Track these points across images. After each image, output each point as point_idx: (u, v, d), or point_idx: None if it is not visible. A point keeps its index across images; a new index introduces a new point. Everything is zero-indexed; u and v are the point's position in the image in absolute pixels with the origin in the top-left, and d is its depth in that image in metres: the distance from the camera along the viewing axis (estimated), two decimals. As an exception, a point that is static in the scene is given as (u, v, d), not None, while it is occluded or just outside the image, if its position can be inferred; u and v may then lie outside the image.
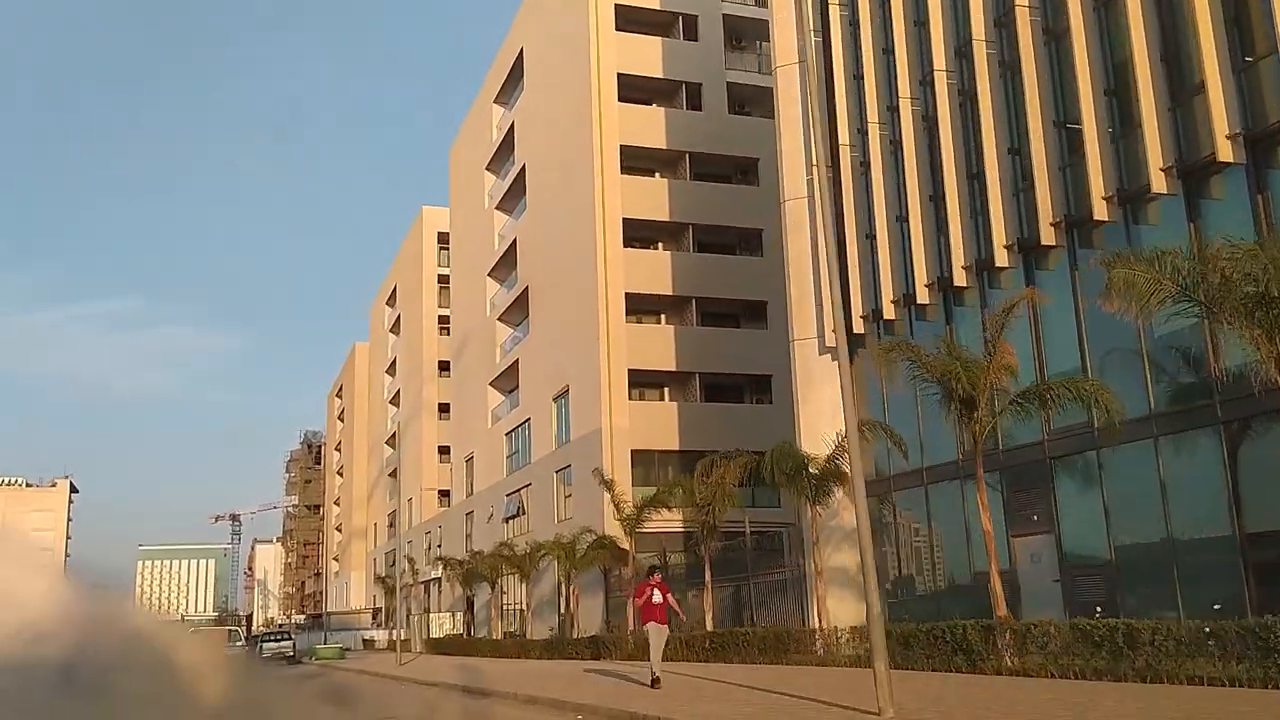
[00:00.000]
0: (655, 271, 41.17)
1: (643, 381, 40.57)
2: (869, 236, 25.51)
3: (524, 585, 45.47)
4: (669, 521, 37.53)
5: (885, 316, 25.15)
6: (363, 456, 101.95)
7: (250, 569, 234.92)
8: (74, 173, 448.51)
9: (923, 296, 24.08)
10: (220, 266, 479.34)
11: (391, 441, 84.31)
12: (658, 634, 18.24)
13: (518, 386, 51.58)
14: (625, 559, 36.50)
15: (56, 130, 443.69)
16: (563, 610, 41.50)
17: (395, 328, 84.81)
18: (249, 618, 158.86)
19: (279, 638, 55.45)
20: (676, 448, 39.91)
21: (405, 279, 79.97)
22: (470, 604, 56.26)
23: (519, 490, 49.96)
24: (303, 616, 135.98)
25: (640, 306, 40.87)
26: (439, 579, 64.17)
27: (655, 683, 17.38)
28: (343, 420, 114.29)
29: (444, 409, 72.20)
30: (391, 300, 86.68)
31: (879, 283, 25.24)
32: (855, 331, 25.13)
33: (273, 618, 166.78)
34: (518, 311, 52.13)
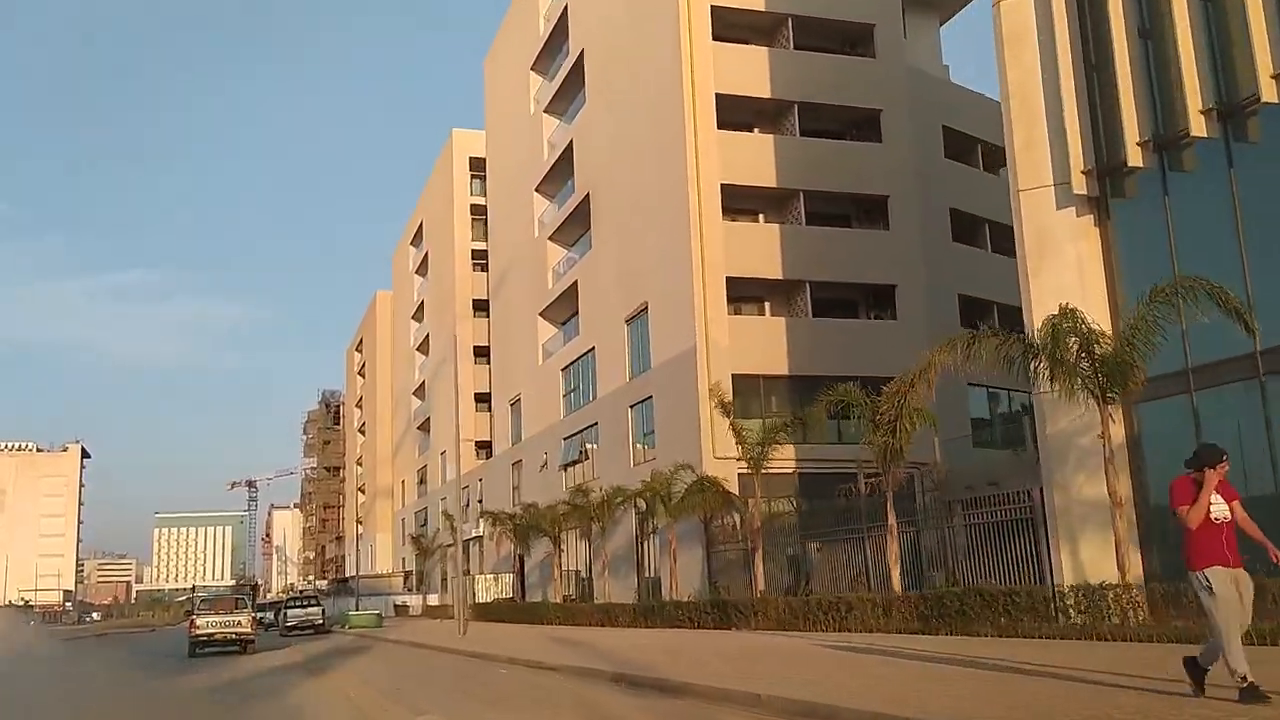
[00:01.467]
0: (755, 159, 33.81)
1: (742, 294, 33.32)
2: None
3: (588, 541, 38.62)
4: (783, 462, 30.61)
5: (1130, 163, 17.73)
6: (386, 411, 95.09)
7: (268, 535, 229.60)
8: (91, 144, 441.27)
9: (1197, 126, 16.68)
10: (236, 235, 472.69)
11: (420, 392, 77.40)
12: (1241, 587, 8.29)
13: (576, 314, 44.36)
14: (732, 505, 29.56)
15: (73, 101, 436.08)
16: (649, 569, 34.52)
17: (422, 268, 77.55)
18: (255, 586, 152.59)
19: (306, 603, 48.55)
20: (785, 372, 32.73)
21: (433, 213, 72.64)
22: (520, 564, 49.41)
23: (580, 432, 42.90)
24: (324, 582, 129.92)
25: (737, 204, 33.52)
26: (480, 537, 57.36)
27: (1249, 691, 7.98)
28: (363, 375, 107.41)
29: (480, 352, 65.09)
30: (417, 239, 79.38)
31: (1116, 123, 17.81)
32: (1117, 166, 17.79)
33: (292, 584, 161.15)
34: (574, 227, 44.85)
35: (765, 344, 32.67)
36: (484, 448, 64.61)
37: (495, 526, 46.29)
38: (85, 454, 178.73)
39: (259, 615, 69.39)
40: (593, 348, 41.42)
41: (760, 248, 33.34)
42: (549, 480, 46.22)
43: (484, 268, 66.05)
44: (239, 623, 30.33)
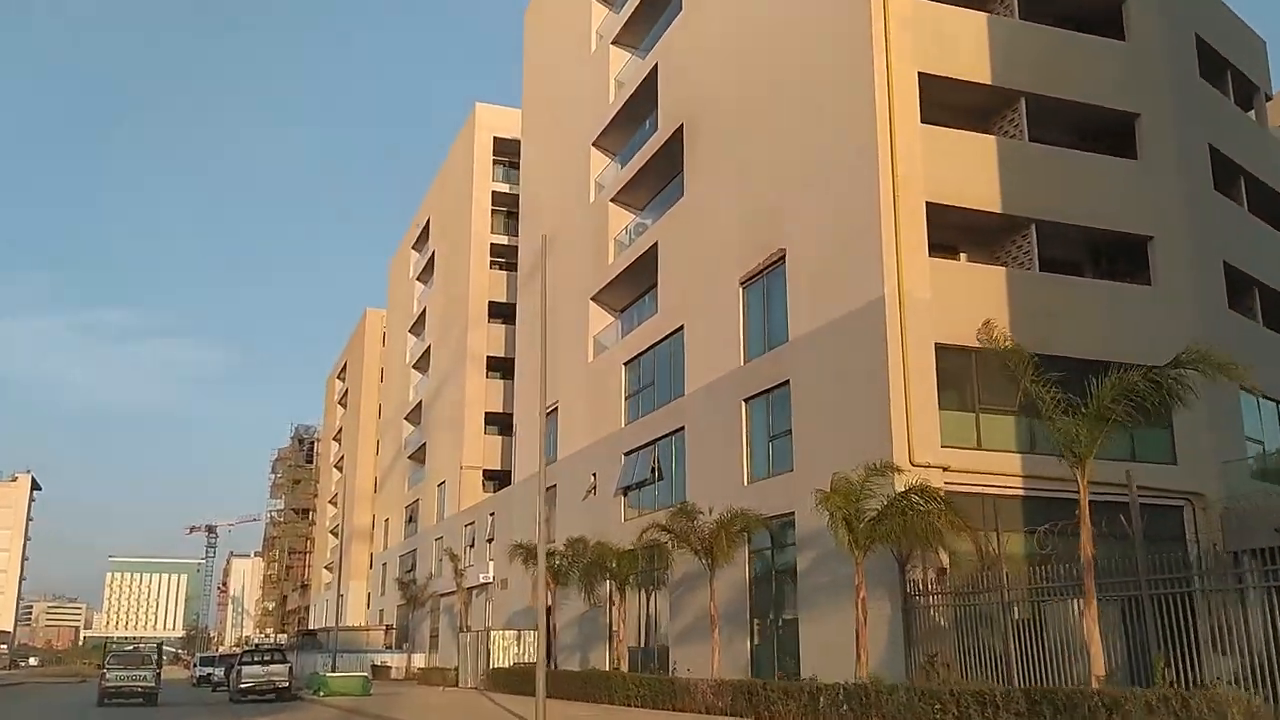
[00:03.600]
0: (961, 42, 23.44)
1: (944, 234, 22.63)
2: None
3: (655, 590, 27.66)
4: (1004, 479, 20.09)
5: None
6: (370, 442, 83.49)
7: (225, 584, 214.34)
8: (65, 180, 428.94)
9: None
10: (211, 275, 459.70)
11: (415, 416, 66.04)
12: None
13: (650, 289, 33.64)
14: (937, 536, 18.76)
15: (39, 135, 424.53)
16: (773, 630, 23.43)
17: (426, 273, 66.65)
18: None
19: (267, 659, 36.69)
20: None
21: (445, 206, 61.93)
22: (549, 619, 37.94)
23: (651, 443, 31.89)
24: (284, 636, 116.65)
25: (933, 106, 22.97)
26: (487, 584, 45.86)
27: None
28: (344, 405, 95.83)
29: (494, 366, 54.13)
30: (421, 241, 68.57)
31: None
32: None
33: (247, 637, 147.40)
34: (650, 179, 34.37)
35: (978, 304, 21.94)
36: (494, 477, 53.33)
37: (527, 566, 34.90)
38: (35, 485, 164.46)
39: (208, 672, 57.54)
40: (680, 327, 30.57)
41: (970, 166, 22.77)
42: (598, 510, 35.09)
43: (505, 265, 55.41)
44: (144, 677, 34.34)
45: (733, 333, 27.29)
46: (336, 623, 53.51)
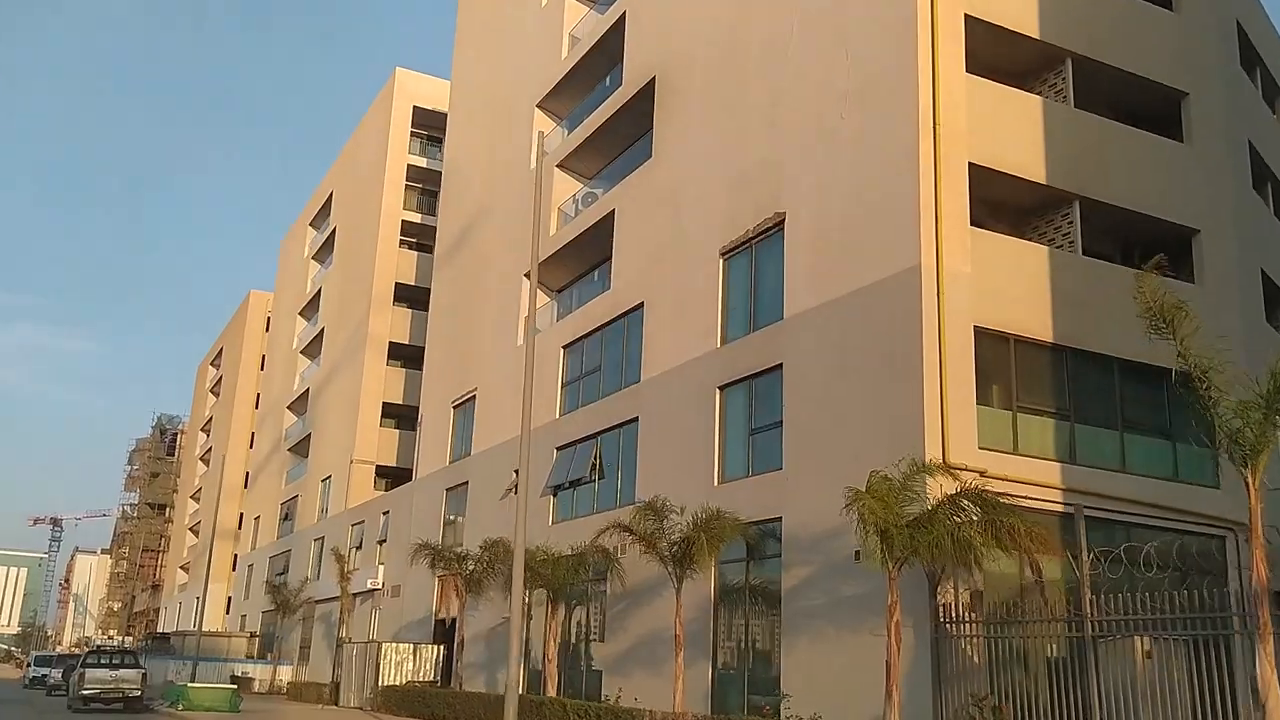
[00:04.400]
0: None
1: (985, 207, 19.33)
2: None
3: (593, 606, 23.76)
4: (1024, 488, 16.94)
5: None
6: (242, 434, 77.13)
7: (67, 580, 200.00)
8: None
9: None
10: (74, 259, 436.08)
11: (299, 405, 60.42)
12: None
13: (602, 262, 29.73)
14: (970, 551, 15.36)
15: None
16: (745, 655, 19.64)
17: (324, 252, 61.26)
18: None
19: (116, 662, 31.19)
20: (1046, 337, 18.81)
21: (352, 179, 56.83)
22: (451, 632, 33.53)
23: (593, 437, 27.89)
24: (129, 639, 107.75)
25: (977, 55, 19.75)
26: (375, 590, 40.97)
27: None
28: (217, 394, 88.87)
29: (397, 353, 49.36)
30: (320, 218, 63.14)
31: None
32: None
33: (89, 638, 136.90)
34: (608, 142, 30.60)
35: (1018, 286, 18.74)
36: (387, 474, 48.41)
37: (434, 569, 30.40)
38: None
39: (44, 673, 50.75)
40: (638, 305, 26.71)
41: (1015, 129, 19.61)
42: (514, 512, 30.75)
43: (417, 245, 50.78)
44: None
45: (708, 311, 23.56)
46: (199, 627, 47.67)
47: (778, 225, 21.76)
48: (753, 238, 22.51)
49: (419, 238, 51.38)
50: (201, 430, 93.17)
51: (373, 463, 47.80)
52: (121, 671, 29.75)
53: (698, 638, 21.38)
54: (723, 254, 23.40)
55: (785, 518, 19.91)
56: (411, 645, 33.11)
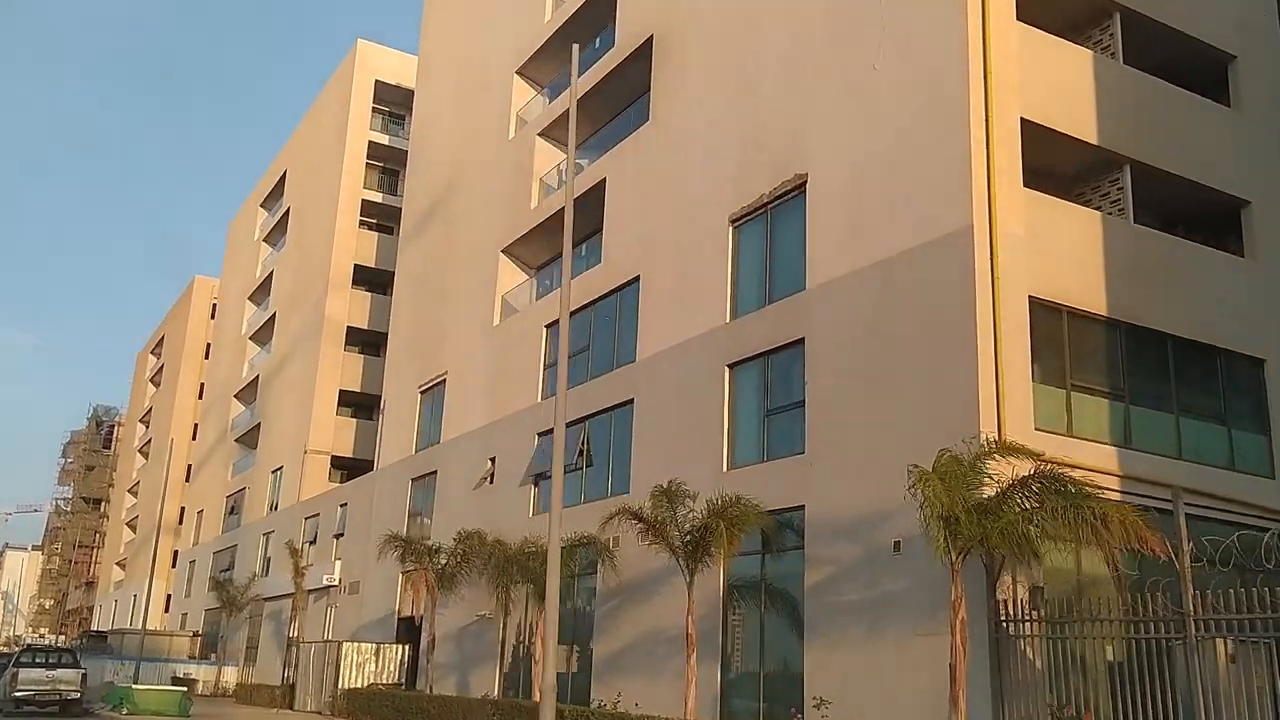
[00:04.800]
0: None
1: (1028, 170, 17.58)
2: None
3: (572, 601, 21.75)
4: (1078, 473, 15.23)
5: None
6: (184, 425, 73.67)
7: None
8: None
9: None
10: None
11: (247, 394, 57.52)
12: None
13: (590, 237, 27.68)
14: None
15: None
16: (754, 654, 17.70)
17: (276, 234, 58.42)
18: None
19: (53, 661, 28.50)
20: (1100, 311, 17.13)
21: (309, 156, 54.09)
22: (416, 632, 31.29)
23: (580, 421, 25.81)
24: (62, 637, 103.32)
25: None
26: (331, 587, 38.51)
27: None
28: (157, 384, 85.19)
29: (355, 338, 46.89)
30: (274, 198, 60.22)
31: None
32: None
33: (19, 636, 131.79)
34: (596, 109, 28.53)
35: (1071, 254, 17.04)
36: (343, 466, 45.89)
37: (403, 562, 28.09)
38: None
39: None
40: (633, 279, 24.70)
41: (1065, 83, 17.93)
42: (495, 502, 28.76)
43: (377, 226, 48.35)
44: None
45: (715, 283, 21.63)
46: (144, 625, 44.83)
47: (798, 188, 19.89)
48: (768, 203, 20.63)
49: (380, 218, 48.95)
50: (140, 421, 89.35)
51: (328, 453, 45.25)
52: (59, 672, 27.08)
53: (704, 638, 19.42)
54: (733, 221, 21.48)
55: (808, 506, 18.05)
56: (374, 645, 30.77)
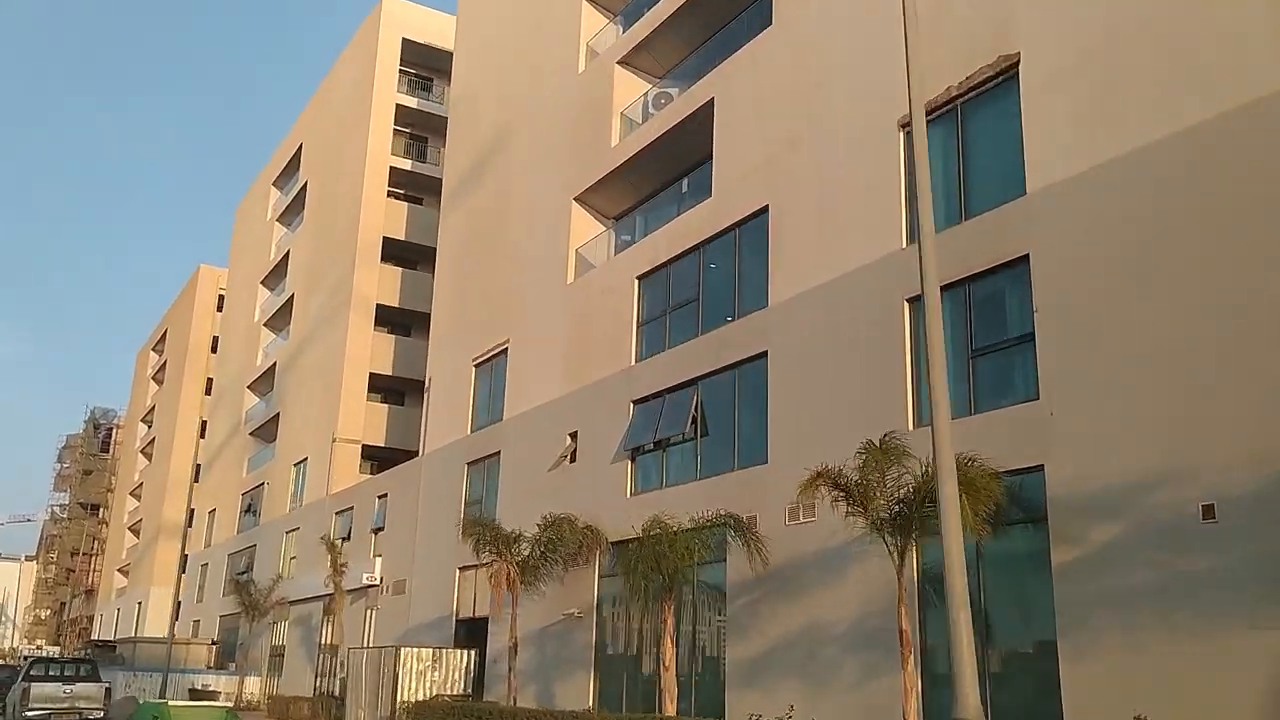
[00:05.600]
0: None
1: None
2: None
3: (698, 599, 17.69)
4: None
5: None
6: (190, 422, 69.17)
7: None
8: None
9: None
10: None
11: (262, 385, 53.25)
12: None
13: (688, 172, 23.64)
14: None
15: None
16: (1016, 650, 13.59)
17: (292, 212, 54.19)
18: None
19: (69, 674, 24.22)
20: None
21: (329, 125, 49.82)
22: (476, 635, 27.24)
23: (687, 385, 21.70)
24: (56, 649, 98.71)
25: None
26: (371, 587, 34.36)
27: None
28: (160, 381, 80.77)
29: (386, 318, 42.70)
30: (287, 174, 55.93)
31: None
32: None
33: (14, 648, 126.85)
34: (689, 29, 24.47)
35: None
36: (375, 457, 41.71)
37: (479, 553, 23.79)
38: None
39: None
40: (757, 212, 20.57)
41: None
42: (576, 484, 24.67)
43: (406, 196, 44.21)
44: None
45: (881, 203, 17.54)
46: (170, 633, 40.57)
47: (1005, 73, 15.82)
48: (959, 96, 16.55)
49: (409, 188, 44.78)
50: (142, 421, 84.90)
51: (359, 442, 40.99)
52: (79, 686, 22.84)
53: (877, 637, 15.35)
54: (904, 126, 17.39)
55: (1050, 466, 13.98)
56: (434, 650, 26.55)
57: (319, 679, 37.35)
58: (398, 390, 43.30)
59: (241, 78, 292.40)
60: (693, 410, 21.31)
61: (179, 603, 63.47)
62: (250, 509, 50.56)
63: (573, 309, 26.43)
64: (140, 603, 69.86)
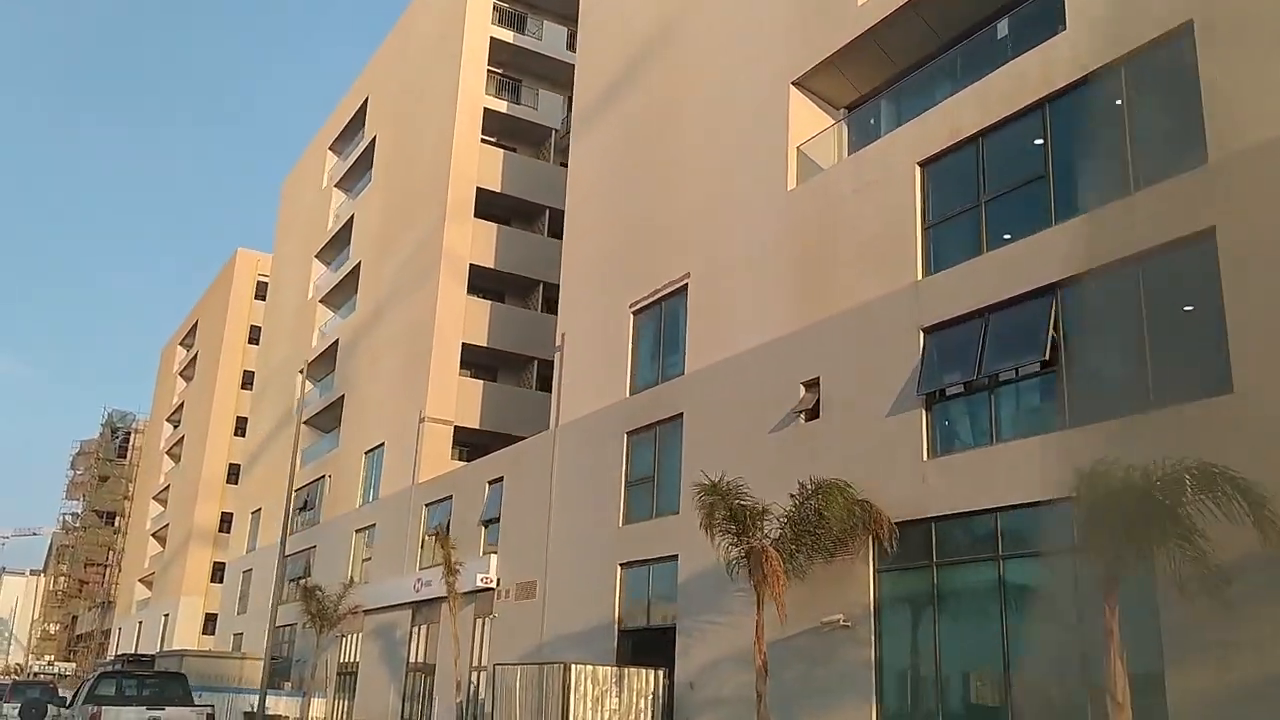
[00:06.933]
0: None
1: None
2: None
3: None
4: None
5: None
6: (224, 419, 62.67)
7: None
8: None
9: None
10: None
11: (321, 367, 46.46)
12: None
13: (1001, 15, 17.03)
14: None
15: None
16: None
17: (354, 175, 47.64)
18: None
19: (153, 691, 17.28)
20: None
21: (402, 70, 43.27)
22: (655, 648, 20.48)
23: (1036, 294, 15.03)
24: (70, 664, 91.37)
25: None
26: (486, 589, 27.57)
27: None
28: (189, 377, 73.97)
29: (475, 285, 35.94)
30: (350, 134, 49.41)
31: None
32: None
33: (18, 664, 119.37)
34: None
35: None
36: (467, 443, 35.04)
37: (712, 531, 16.92)
38: None
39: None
40: (1170, 33, 13.94)
41: None
42: (813, 447, 17.99)
43: (501, 144, 37.84)
44: None
45: None
46: (271, 646, 33.68)
47: None
48: None
49: (504, 135, 38.32)
50: (168, 421, 77.94)
51: (451, 422, 34.22)
52: (171, 712, 15.91)
53: None
54: None
55: None
56: (617, 670, 19.74)
57: (406, 703, 30.60)
58: (488, 366, 36.68)
59: (244, 87, 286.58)
60: (1047, 331, 14.63)
61: (213, 614, 56.57)
62: (306, 506, 43.66)
63: (800, 220, 19.76)
64: (167, 614, 62.81)
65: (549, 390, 36.52)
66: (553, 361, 36.16)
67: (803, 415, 18.67)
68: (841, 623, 16.65)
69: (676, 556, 20.91)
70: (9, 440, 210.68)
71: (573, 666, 19.40)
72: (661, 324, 23.46)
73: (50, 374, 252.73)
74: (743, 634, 18.06)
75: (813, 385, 18.60)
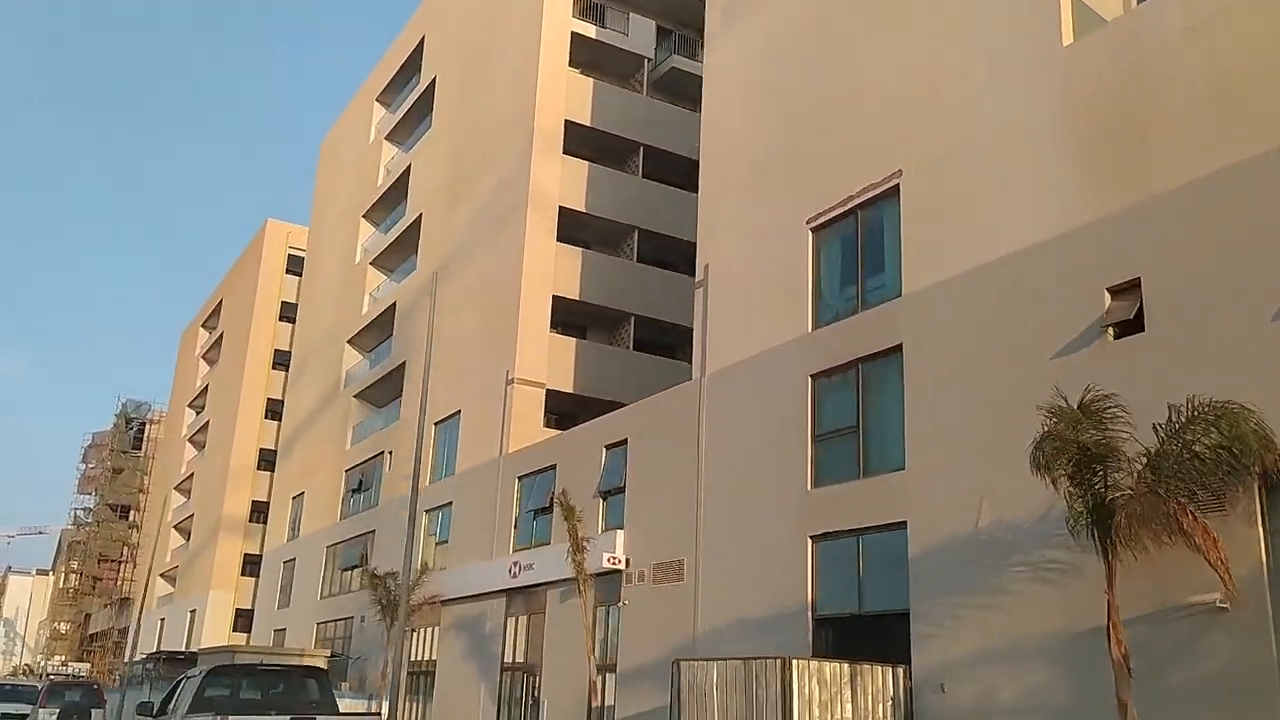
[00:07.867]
0: None
1: None
2: None
3: None
4: None
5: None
6: (254, 403, 57.73)
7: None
8: None
9: None
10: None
11: (371, 336, 41.72)
12: None
13: None
14: None
15: None
16: None
17: (408, 125, 42.86)
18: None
19: (281, 694, 12.60)
20: None
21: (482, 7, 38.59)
22: (858, 638, 15.55)
23: None
24: (84, 665, 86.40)
25: None
26: (617, 571, 22.74)
27: None
28: (213, 361, 69.13)
29: (566, 229, 31.21)
30: (395, 87, 44.73)
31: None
32: None
33: (26, 665, 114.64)
34: None
35: None
36: (557, 411, 30.25)
37: (1073, 475, 12.15)
38: None
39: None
40: None
41: None
42: (1125, 373, 13.16)
43: (590, 69, 33.14)
44: None
45: None
46: (360, 649, 28.88)
47: None
48: None
49: (587, 68, 33.60)
50: (190, 407, 73.12)
51: (543, 385, 29.49)
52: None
53: None
54: None
55: None
56: (851, 666, 14.97)
57: (503, 708, 25.89)
58: (577, 325, 31.99)
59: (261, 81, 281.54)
60: None
61: (248, 609, 51.77)
62: (360, 487, 38.87)
63: (1091, 80, 15.00)
64: (193, 610, 57.95)
65: (647, 350, 32.04)
66: (651, 319, 31.70)
67: (1111, 330, 13.93)
68: (1218, 602, 11.90)
69: (905, 524, 16.17)
70: (10, 440, 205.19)
71: (793, 662, 14.63)
72: (859, 238, 18.69)
73: (52, 373, 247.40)
74: (1023, 621, 13.42)
75: (1125, 290, 13.86)
